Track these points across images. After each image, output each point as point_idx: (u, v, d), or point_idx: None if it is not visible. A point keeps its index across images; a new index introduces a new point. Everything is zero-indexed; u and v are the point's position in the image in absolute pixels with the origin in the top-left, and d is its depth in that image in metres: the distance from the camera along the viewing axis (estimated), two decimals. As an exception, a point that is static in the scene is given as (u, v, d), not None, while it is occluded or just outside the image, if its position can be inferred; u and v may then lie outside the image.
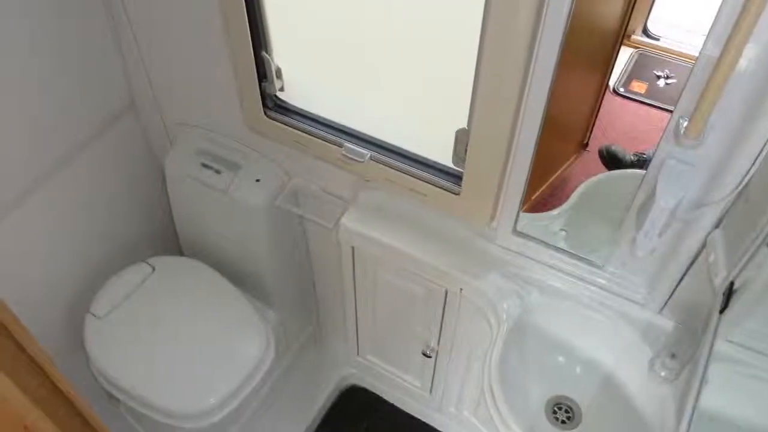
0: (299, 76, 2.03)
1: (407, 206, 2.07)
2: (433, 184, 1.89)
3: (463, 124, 1.71)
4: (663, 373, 1.71)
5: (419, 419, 2.97)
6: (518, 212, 1.83)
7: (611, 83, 1.88)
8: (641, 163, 1.75)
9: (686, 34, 1.77)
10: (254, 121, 2.13)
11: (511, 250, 1.96)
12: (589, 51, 1.79)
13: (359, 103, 1.99)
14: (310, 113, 2.06)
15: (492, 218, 1.88)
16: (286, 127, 2.06)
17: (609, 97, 1.89)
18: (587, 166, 1.92)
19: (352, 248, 2.19)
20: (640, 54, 1.89)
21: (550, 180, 1.95)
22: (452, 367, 2.45)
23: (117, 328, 2.39)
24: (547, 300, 1.92)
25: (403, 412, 3.01)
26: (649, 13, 1.81)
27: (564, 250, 1.87)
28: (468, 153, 1.73)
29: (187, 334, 2.39)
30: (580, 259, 1.85)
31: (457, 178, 1.85)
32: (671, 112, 1.38)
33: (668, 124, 1.40)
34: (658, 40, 1.86)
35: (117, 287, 2.49)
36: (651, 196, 1.48)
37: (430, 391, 2.68)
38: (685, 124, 1.34)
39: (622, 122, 1.92)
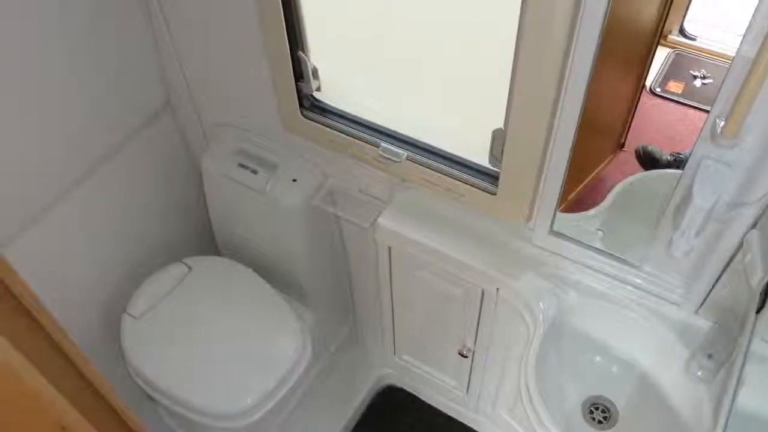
0: (336, 76, 2.04)
1: (444, 206, 2.07)
2: (469, 184, 1.90)
3: (500, 124, 1.71)
4: (699, 374, 1.70)
5: (456, 419, 2.98)
6: (555, 212, 1.83)
7: (648, 83, 1.88)
8: (678, 163, 1.74)
9: (723, 34, 1.76)
10: (291, 121, 2.14)
11: (547, 250, 1.96)
12: (625, 51, 1.79)
13: (395, 103, 2.00)
14: (347, 113, 2.07)
15: (528, 218, 1.89)
16: (323, 126, 2.07)
17: (645, 97, 1.89)
18: (624, 166, 1.92)
19: (389, 248, 2.20)
20: (677, 54, 1.88)
21: (587, 180, 1.94)
22: (489, 367, 2.45)
23: (154, 328, 2.41)
24: (583, 300, 1.92)
25: (440, 411, 3.01)
26: (685, 13, 1.80)
27: (601, 250, 1.87)
28: (504, 153, 1.73)
29: (223, 334, 2.40)
30: (617, 259, 1.85)
31: (493, 178, 1.85)
32: (708, 112, 1.38)
33: (705, 124, 1.40)
34: (694, 40, 1.85)
35: (154, 287, 2.50)
36: (688, 197, 1.47)
37: (467, 390, 2.69)
38: (722, 124, 1.33)
39: (658, 122, 1.91)
